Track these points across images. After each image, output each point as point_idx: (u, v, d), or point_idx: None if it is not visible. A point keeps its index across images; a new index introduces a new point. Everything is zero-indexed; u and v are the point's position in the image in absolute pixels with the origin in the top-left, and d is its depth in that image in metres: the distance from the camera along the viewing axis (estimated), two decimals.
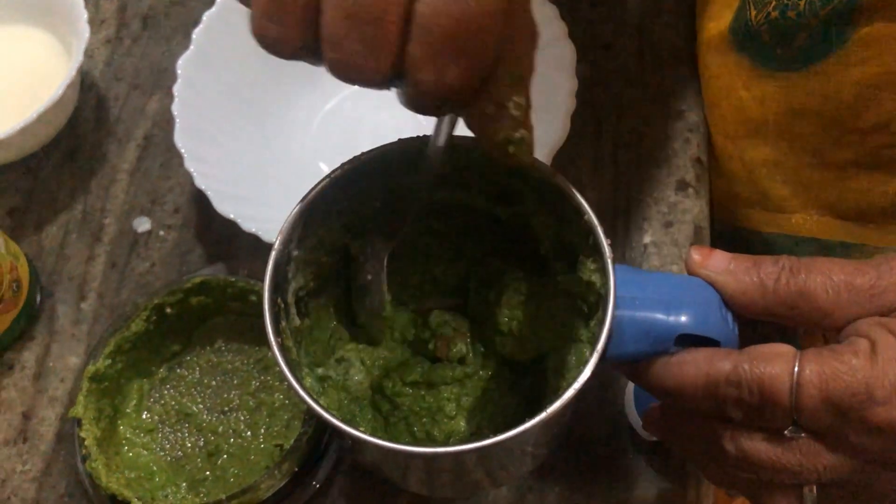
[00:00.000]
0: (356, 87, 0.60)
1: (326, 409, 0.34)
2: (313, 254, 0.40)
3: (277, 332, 0.36)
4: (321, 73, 0.59)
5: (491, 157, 0.33)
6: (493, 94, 0.31)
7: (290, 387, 0.35)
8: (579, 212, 0.37)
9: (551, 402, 0.33)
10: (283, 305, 0.38)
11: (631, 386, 0.48)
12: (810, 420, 0.33)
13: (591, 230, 0.37)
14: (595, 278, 0.37)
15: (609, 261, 0.35)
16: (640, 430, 0.48)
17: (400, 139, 0.39)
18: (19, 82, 0.59)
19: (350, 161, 0.38)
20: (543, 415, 0.33)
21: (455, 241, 0.46)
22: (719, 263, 0.37)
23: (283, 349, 0.36)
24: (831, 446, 0.34)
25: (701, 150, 0.57)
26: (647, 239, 0.54)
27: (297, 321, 0.40)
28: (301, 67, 0.59)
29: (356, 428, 0.34)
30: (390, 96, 0.60)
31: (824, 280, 0.34)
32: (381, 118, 0.60)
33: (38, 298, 0.54)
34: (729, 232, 0.55)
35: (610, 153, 0.57)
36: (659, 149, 0.57)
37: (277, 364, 0.35)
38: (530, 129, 0.32)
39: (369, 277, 0.42)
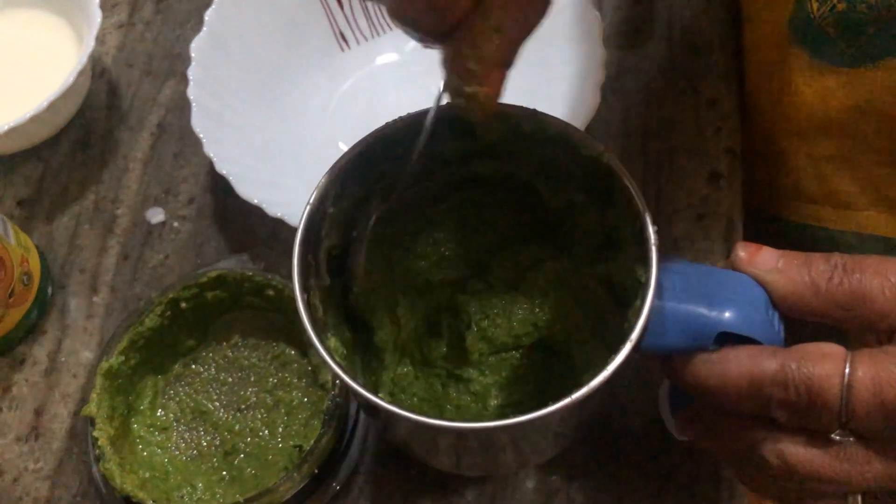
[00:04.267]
0: (372, 66, 0.60)
1: (349, 373, 0.33)
2: (349, 214, 0.39)
3: (305, 289, 0.35)
4: (337, 53, 0.59)
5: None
6: (460, 41, 0.30)
7: (313, 346, 0.33)
8: (626, 194, 0.36)
9: (582, 384, 0.32)
10: (313, 263, 0.37)
11: (666, 384, 0.47)
12: (861, 425, 0.32)
13: (637, 214, 0.35)
14: (638, 265, 0.36)
15: (654, 248, 0.34)
16: (673, 431, 0.46)
17: (449, 102, 0.37)
18: (29, 69, 0.58)
19: (395, 120, 0.37)
20: (572, 397, 0.32)
21: (492, 214, 0.45)
22: (768, 261, 0.35)
23: (310, 307, 0.35)
24: (881, 453, 0.32)
25: (734, 140, 0.55)
26: (677, 232, 0.52)
27: (327, 280, 0.39)
28: (316, 47, 0.58)
29: (382, 399, 0.33)
30: (406, 75, 0.59)
31: (882, 281, 0.33)
32: (399, 98, 0.58)
33: (50, 291, 0.53)
34: (792, 228, 0.53)
35: (638, 143, 0.55)
36: (690, 139, 0.55)
37: (301, 322, 0.34)
38: (488, 86, 0.31)
39: (354, 234, 0.40)
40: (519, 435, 0.37)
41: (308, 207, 0.36)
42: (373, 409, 0.34)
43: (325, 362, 0.33)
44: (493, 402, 0.43)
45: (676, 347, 0.35)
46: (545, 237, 0.45)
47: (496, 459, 0.41)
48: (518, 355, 0.44)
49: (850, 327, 0.34)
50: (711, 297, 0.34)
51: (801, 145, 0.50)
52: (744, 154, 0.55)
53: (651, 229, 0.34)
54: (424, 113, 0.37)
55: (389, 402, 0.33)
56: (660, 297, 0.33)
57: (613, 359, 0.32)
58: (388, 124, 0.37)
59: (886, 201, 0.47)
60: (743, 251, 0.36)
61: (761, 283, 0.35)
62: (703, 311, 0.34)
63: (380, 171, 0.39)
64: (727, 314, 0.34)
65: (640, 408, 0.47)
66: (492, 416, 0.42)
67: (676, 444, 0.47)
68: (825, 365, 0.32)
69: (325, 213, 0.38)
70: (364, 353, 0.43)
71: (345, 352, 0.40)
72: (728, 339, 0.34)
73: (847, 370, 0.31)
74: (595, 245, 0.42)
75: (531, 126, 0.38)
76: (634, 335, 0.33)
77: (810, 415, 0.32)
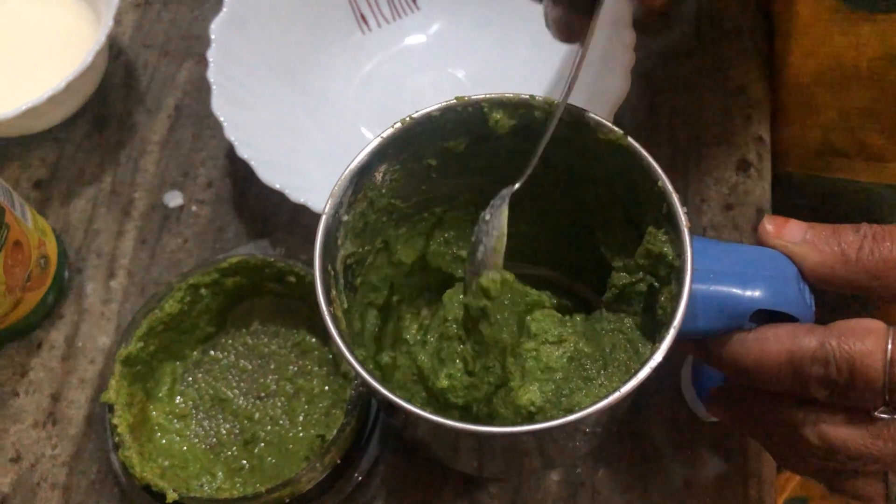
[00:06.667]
0: (393, 50, 0.59)
1: (379, 381, 0.33)
2: (363, 219, 0.38)
3: (329, 302, 0.35)
4: (358, 35, 0.58)
5: None
6: None
7: (343, 357, 0.33)
8: (651, 177, 0.35)
9: (622, 382, 0.31)
10: (332, 273, 0.36)
11: (688, 365, 0.46)
12: None
13: (664, 197, 0.35)
14: (667, 250, 0.35)
15: (686, 231, 0.34)
16: (698, 413, 0.45)
17: (457, 97, 0.37)
18: (47, 49, 0.57)
19: (402, 121, 0.37)
20: (616, 395, 0.31)
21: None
22: (795, 233, 0.35)
23: (335, 318, 0.34)
24: None
25: (763, 127, 0.54)
26: (706, 222, 0.51)
27: (345, 300, 0.38)
28: (336, 29, 0.57)
29: (409, 402, 0.32)
30: (428, 59, 0.58)
31: None
32: (420, 81, 0.58)
33: (67, 275, 0.52)
34: (825, 184, 0.52)
35: (666, 130, 0.54)
36: (718, 126, 0.54)
37: (330, 334, 0.33)
38: None
39: (487, 217, 0.38)
40: (550, 437, 0.36)
41: (324, 217, 0.36)
42: (404, 415, 0.33)
43: (357, 374, 0.33)
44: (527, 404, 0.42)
45: (711, 330, 0.34)
46: (560, 233, 0.44)
47: (525, 463, 0.40)
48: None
49: (881, 297, 0.34)
50: (744, 276, 0.34)
51: (832, 98, 0.49)
52: (774, 113, 0.54)
53: (681, 211, 0.34)
54: (437, 109, 0.37)
55: (421, 409, 0.32)
56: (693, 280, 0.33)
57: (657, 348, 0.31)
58: (396, 126, 0.37)
59: None
60: (770, 224, 0.35)
61: (790, 256, 0.34)
62: (736, 290, 0.33)
63: (392, 171, 0.39)
64: (760, 292, 0.33)
65: (667, 397, 0.46)
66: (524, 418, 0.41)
67: (704, 436, 0.46)
68: (867, 341, 0.31)
69: (340, 220, 0.37)
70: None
71: (369, 355, 0.40)
72: (762, 315, 0.34)
73: (890, 346, 0.31)
74: (618, 236, 0.41)
75: (544, 114, 0.37)
76: (676, 321, 0.32)
77: (852, 392, 0.32)
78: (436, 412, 0.41)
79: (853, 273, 0.34)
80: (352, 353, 0.33)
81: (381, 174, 0.38)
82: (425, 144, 0.38)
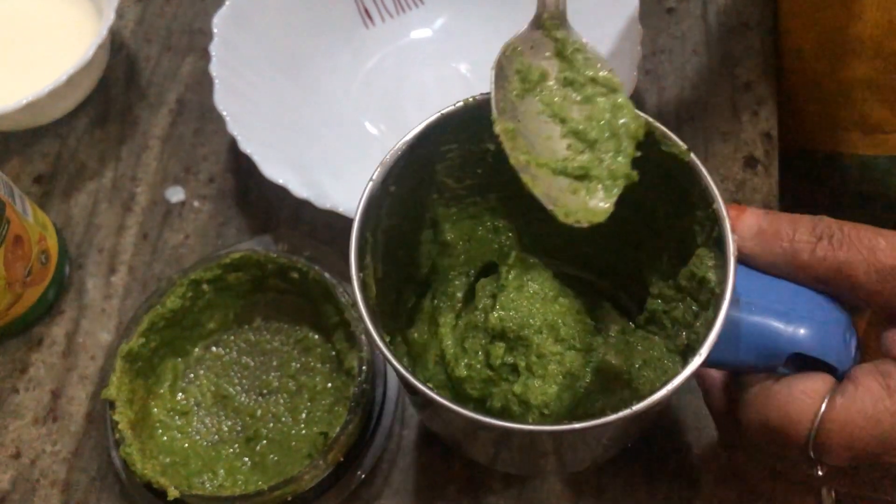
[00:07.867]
0: (397, 44, 0.58)
1: (398, 359, 0.32)
2: (412, 194, 0.38)
3: (361, 268, 0.34)
4: (361, 30, 0.58)
5: None
6: None
7: (365, 329, 0.32)
8: (708, 198, 0.33)
9: (640, 399, 0.30)
10: (371, 240, 0.36)
11: None
12: (831, 462, 0.31)
13: (717, 221, 0.33)
14: (711, 275, 0.34)
15: (732, 259, 0.32)
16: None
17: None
18: (48, 43, 0.56)
19: (465, 101, 0.36)
20: (628, 411, 0.30)
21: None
22: (750, 224, 0.33)
23: (364, 286, 0.34)
24: (851, 476, 0.33)
25: (770, 123, 0.53)
26: None
27: (380, 271, 0.37)
28: (340, 23, 0.57)
29: (425, 383, 0.32)
30: (433, 54, 0.57)
31: (868, 258, 0.31)
32: (425, 76, 0.57)
33: (67, 271, 0.52)
34: (823, 158, 0.52)
35: (673, 126, 0.53)
36: (725, 122, 0.54)
37: (355, 301, 0.33)
38: None
39: None
40: (569, 441, 0.35)
41: (370, 184, 0.35)
42: (425, 401, 0.33)
43: (375, 345, 0.32)
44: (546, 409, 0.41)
45: (745, 364, 0.33)
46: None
47: (534, 462, 0.39)
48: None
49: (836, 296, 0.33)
50: (787, 314, 0.32)
51: (832, 69, 0.49)
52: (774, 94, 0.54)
53: (731, 238, 0.32)
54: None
55: (436, 394, 0.32)
56: (734, 309, 0.32)
57: (680, 373, 0.30)
58: (458, 104, 0.36)
59: None
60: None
61: (741, 252, 0.33)
62: (778, 327, 0.32)
63: (448, 151, 0.38)
64: (803, 331, 0.32)
65: (674, 399, 0.46)
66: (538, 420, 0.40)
67: (711, 436, 0.45)
68: (792, 409, 0.31)
69: (388, 191, 0.36)
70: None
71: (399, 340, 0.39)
72: (801, 360, 0.32)
73: (822, 410, 0.30)
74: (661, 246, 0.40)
75: None
76: (705, 349, 0.31)
77: (786, 454, 0.32)
78: (451, 399, 0.41)
79: (801, 276, 0.33)
80: (373, 322, 0.32)
81: (437, 151, 0.37)
82: (485, 128, 0.37)
